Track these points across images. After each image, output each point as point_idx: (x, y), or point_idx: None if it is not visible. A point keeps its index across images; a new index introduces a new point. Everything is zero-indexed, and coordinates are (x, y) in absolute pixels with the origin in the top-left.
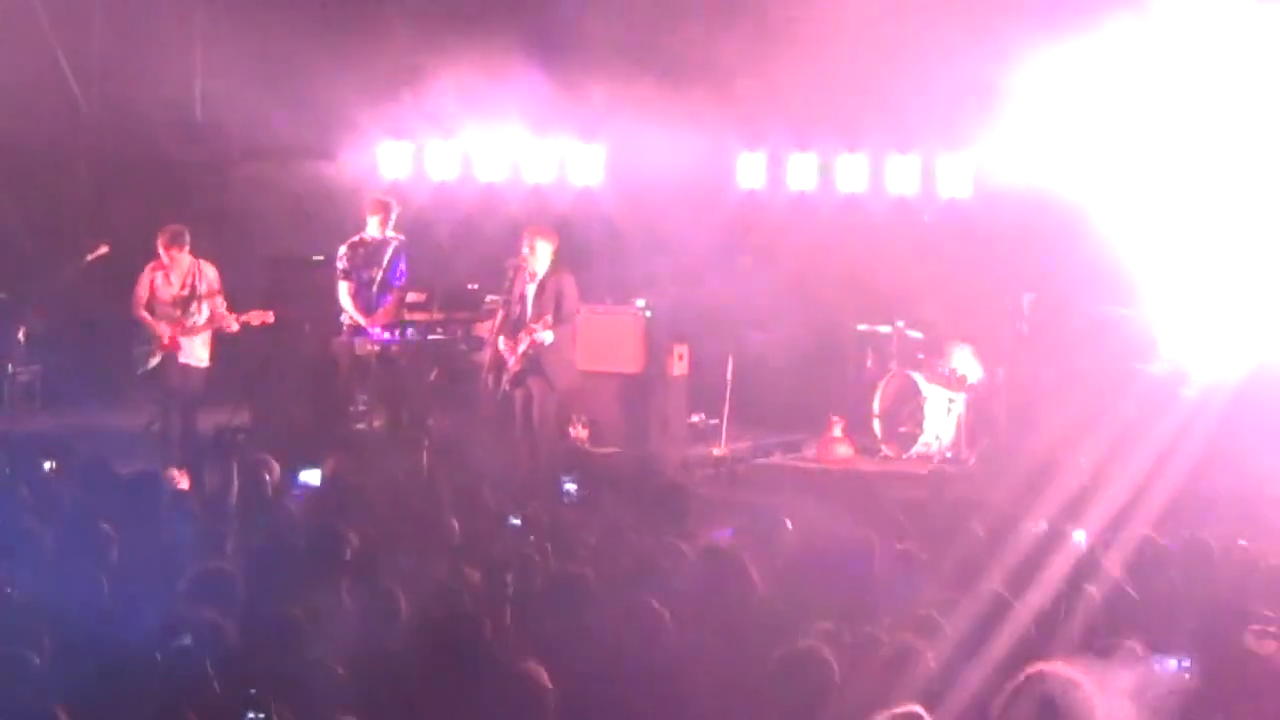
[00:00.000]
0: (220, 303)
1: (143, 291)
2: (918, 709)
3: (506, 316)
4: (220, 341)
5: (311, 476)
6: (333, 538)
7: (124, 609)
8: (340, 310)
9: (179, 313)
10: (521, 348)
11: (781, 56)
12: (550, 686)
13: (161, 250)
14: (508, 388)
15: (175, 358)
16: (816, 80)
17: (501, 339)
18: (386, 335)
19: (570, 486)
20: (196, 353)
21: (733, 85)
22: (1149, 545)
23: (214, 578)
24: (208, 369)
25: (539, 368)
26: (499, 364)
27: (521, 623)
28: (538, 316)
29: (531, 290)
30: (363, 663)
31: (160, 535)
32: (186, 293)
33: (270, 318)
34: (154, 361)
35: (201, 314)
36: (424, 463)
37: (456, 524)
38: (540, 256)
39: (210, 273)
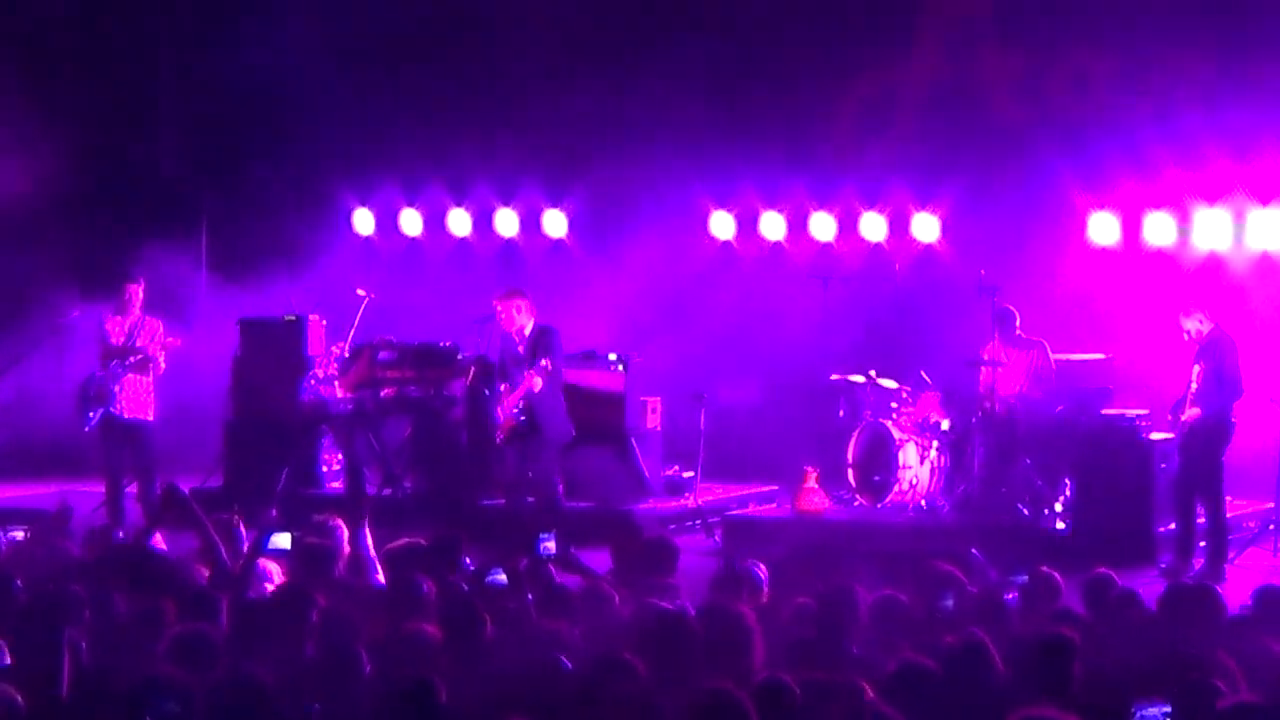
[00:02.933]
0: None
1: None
2: None
3: (488, 374)
4: (190, 404)
5: (282, 541)
6: (300, 600)
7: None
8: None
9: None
10: (512, 398)
11: (750, 114)
12: None
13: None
14: (501, 442)
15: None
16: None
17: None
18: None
19: (549, 544)
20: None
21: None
22: (1123, 590)
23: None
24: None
25: (535, 422)
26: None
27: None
28: (523, 375)
29: (523, 350)
30: None
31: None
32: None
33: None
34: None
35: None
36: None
37: (426, 586)
38: (519, 318)
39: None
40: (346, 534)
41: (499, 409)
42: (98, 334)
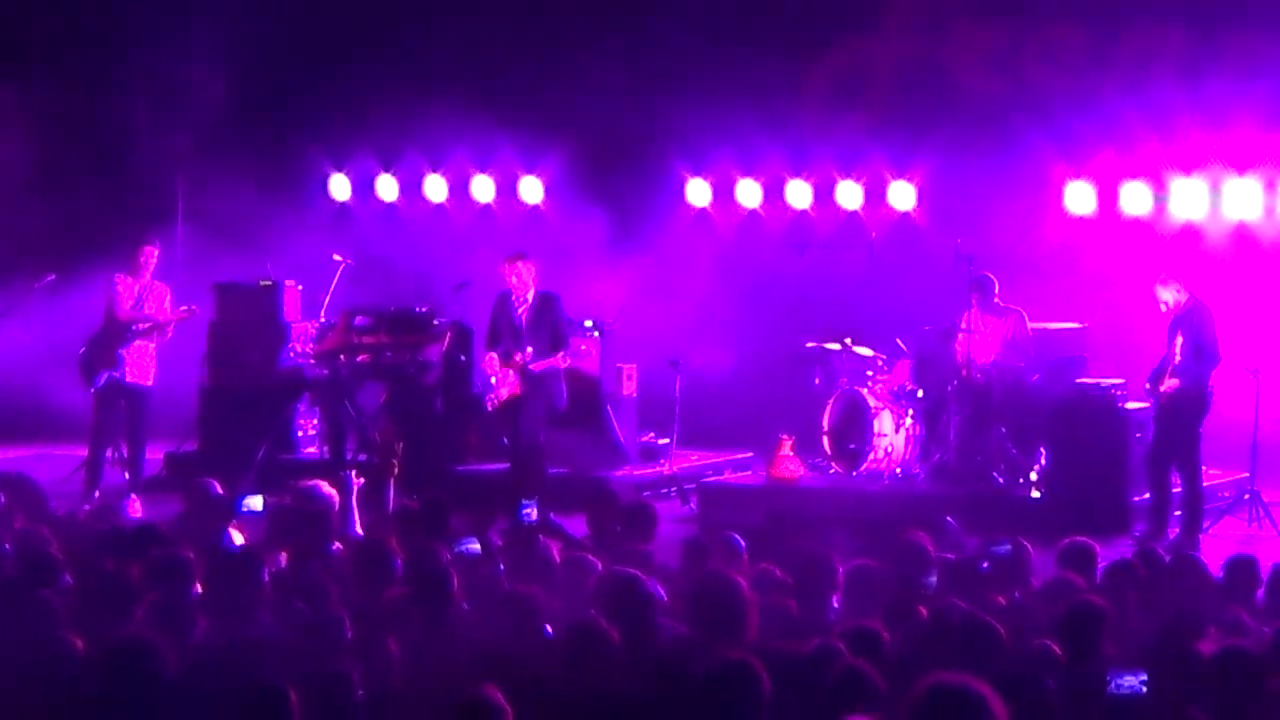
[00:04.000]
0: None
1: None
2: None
3: (498, 342)
4: (169, 368)
5: (254, 503)
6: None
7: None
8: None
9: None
10: (536, 366)
11: (726, 81)
12: (506, 707)
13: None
14: (501, 413)
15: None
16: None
17: (488, 361)
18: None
19: (530, 510)
20: (140, 372)
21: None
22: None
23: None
24: (150, 390)
25: (538, 391)
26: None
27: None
28: (536, 340)
29: (524, 315)
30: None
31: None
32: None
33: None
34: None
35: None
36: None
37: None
38: (527, 282)
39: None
40: (339, 502)
41: (497, 379)
42: (107, 294)
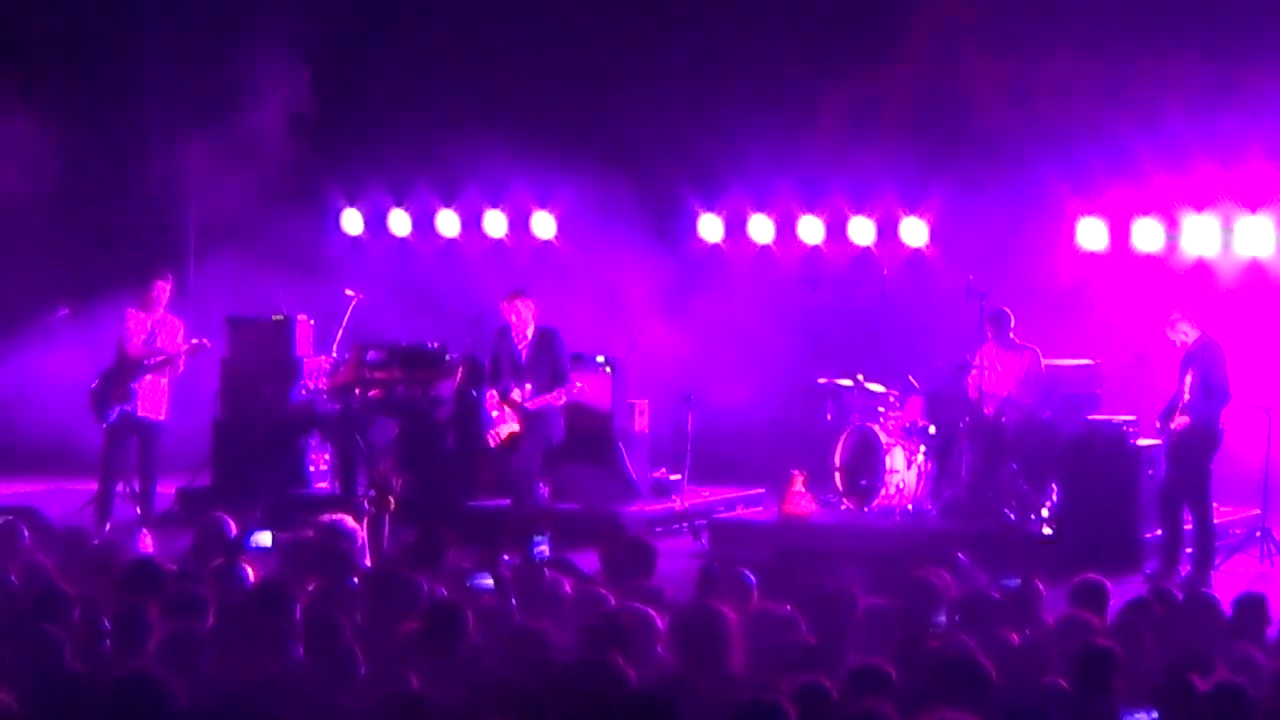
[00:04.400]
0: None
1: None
2: None
3: (475, 376)
4: (182, 402)
5: (263, 539)
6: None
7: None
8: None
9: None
10: (534, 402)
11: (735, 115)
12: None
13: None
14: (498, 448)
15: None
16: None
17: (490, 398)
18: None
19: (543, 547)
20: (152, 407)
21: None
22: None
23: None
24: (162, 425)
25: (534, 427)
26: (493, 422)
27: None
28: (536, 376)
29: (524, 352)
30: None
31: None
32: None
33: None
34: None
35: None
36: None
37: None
38: (526, 318)
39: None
40: (363, 537)
41: (498, 415)
42: (118, 329)
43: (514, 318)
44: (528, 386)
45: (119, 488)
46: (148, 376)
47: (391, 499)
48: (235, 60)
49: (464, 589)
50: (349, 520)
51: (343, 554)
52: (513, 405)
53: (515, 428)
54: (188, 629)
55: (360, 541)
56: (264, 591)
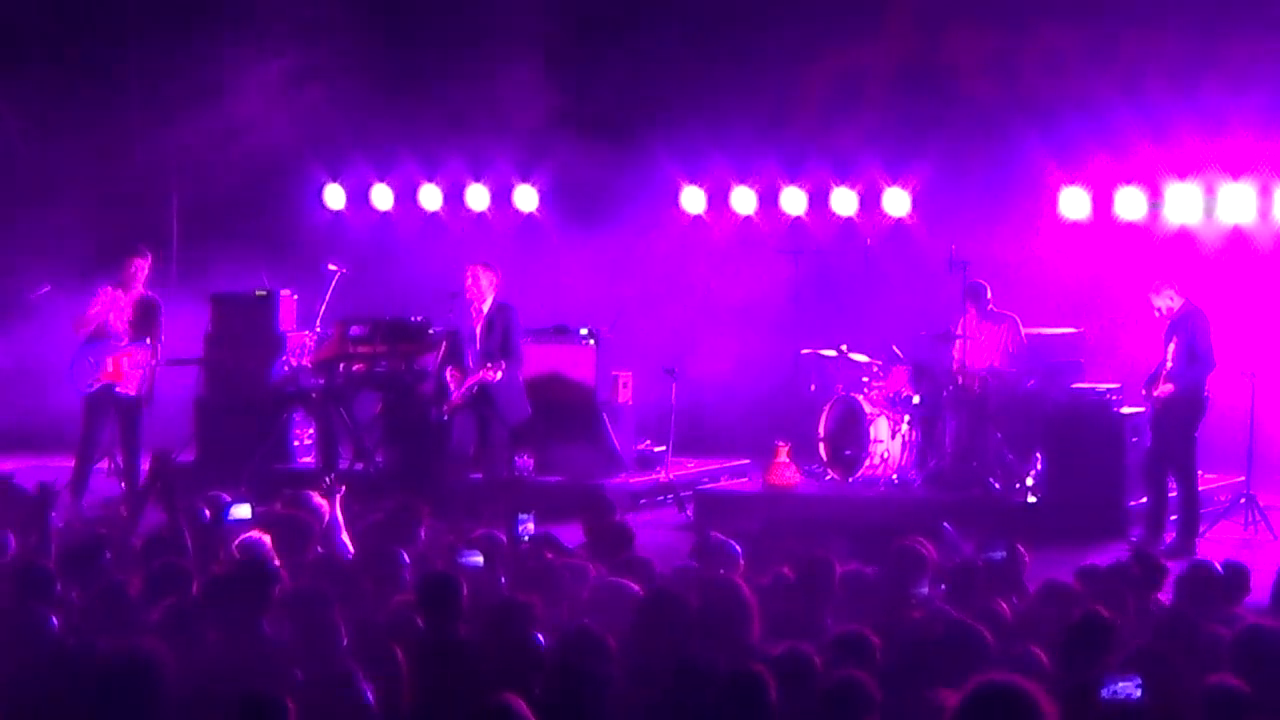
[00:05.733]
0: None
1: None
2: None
3: (452, 350)
4: (169, 377)
5: (242, 512)
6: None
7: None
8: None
9: (124, 340)
10: (467, 382)
11: (718, 86)
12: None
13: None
14: (447, 418)
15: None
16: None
17: (448, 371)
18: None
19: (529, 524)
20: (129, 382)
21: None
22: (1102, 563)
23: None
24: (138, 399)
25: (490, 401)
26: (443, 395)
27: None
28: (486, 350)
29: (479, 326)
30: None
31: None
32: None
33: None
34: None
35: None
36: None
37: (407, 557)
38: (484, 290)
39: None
40: (328, 510)
41: (455, 386)
42: (91, 303)
43: (469, 282)
44: (488, 366)
45: (105, 464)
46: (127, 351)
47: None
48: (217, 38)
49: (453, 564)
50: (317, 496)
51: (305, 529)
52: (456, 380)
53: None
54: (176, 603)
55: (327, 518)
56: (246, 566)
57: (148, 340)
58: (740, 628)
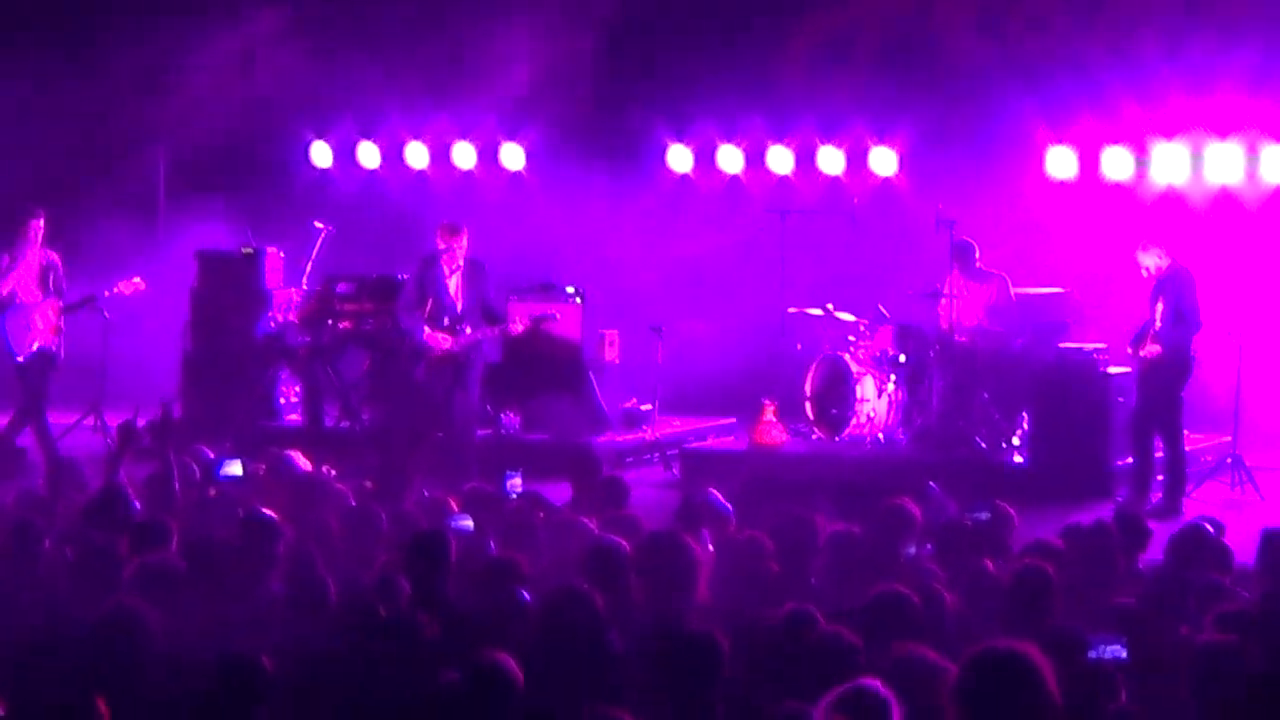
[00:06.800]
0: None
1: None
2: (872, 683)
3: (433, 309)
4: (156, 335)
5: (234, 469)
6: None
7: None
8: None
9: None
10: (474, 336)
11: (704, 44)
12: (519, 677)
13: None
14: (429, 379)
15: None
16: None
17: (426, 329)
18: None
19: (516, 481)
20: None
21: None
22: (1085, 523)
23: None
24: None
25: (464, 361)
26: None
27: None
28: (468, 309)
29: (454, 282)
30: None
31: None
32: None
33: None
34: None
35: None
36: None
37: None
38: (459, 251)
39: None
40: (308, 469)
41: (433, 344)
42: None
43: (443, 245)
44: (465, 327)
45: (90, 421)
46: (39, 313)
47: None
48: None
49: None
50: (300, 457)
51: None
52: (438, 339)
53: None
54: (161, 563)
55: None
56: (250, 526)
57: (54, 297)
58: (683, 588)
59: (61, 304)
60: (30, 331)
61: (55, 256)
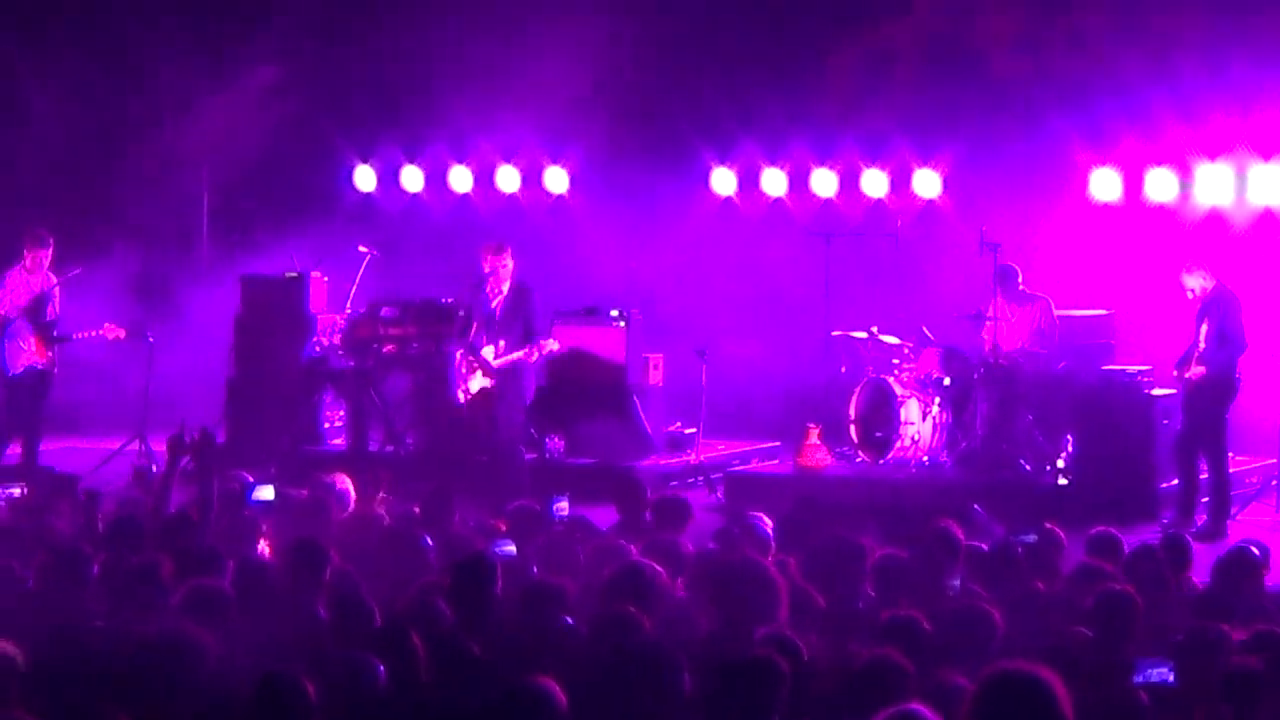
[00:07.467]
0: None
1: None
2: (918, 708)
3: (475, 332)
4: (199, 360)
5: (265, 493)
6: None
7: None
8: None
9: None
10: (507, 360)
11: (747, 68)
12: (563, 702)
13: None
14: (466, 400)
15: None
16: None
17: (459, 354)
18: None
19: (563, 505)
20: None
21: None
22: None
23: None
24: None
25: (504, 384)
26: (463, 378)
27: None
28: (506, 332)
29: (498, 304)
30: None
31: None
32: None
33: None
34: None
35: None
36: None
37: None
38: (503, 272)
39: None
40: (353, 493)
41: (469, 369)
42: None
43: (487, 268)
44: (501, 343)
45: (136, 445)
46: (35, 335)
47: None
48: (246, 19)
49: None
50: (343, 480)
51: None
52: (481, 362)
53: (486, 383)
54: (211, 587)
55: (350, 503)
56: (299, 550)
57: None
58: (768, 610)
59: (52, 334)
60: (22, 354)
61: (56, 284)
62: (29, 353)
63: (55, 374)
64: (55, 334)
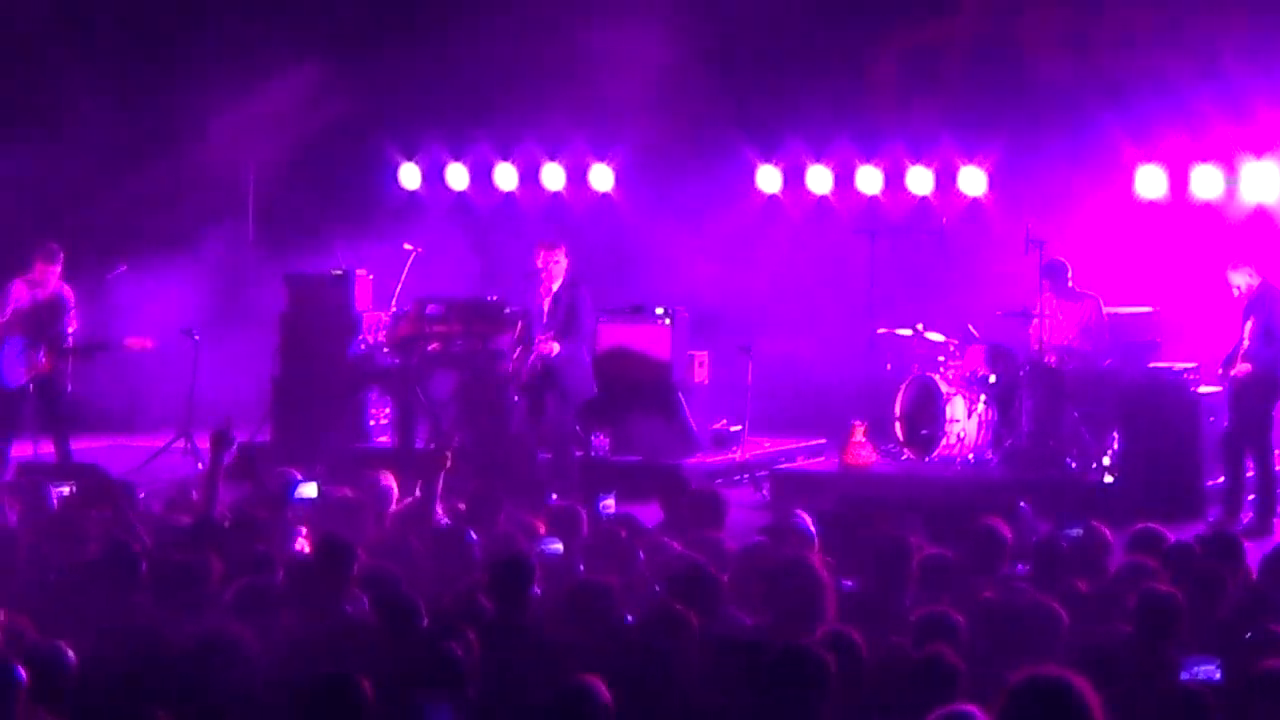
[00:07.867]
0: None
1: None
2: (970, 708)
3: (525, 328)
4: (245, 359)
5: (308, 491)
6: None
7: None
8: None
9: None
10: (529, 359)
11: (793, 65)
12: (608, 700)
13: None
14: (518, 398)
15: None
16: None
17: (519, 350)
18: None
19: (609, 503)
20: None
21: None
22: (1173, 542)
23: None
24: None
25: (554, 380)
26: (514, 375)
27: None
28: (552, 328)
29: (547, 303)
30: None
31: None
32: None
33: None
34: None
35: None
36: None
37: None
38: (555, 269)
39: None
40: (396, 491)
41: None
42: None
43: (539, 264)
44: (548, 337)
45: (182, 444)
46: (42, 345)
47: (448, 455)
48: (291, 19)
49: (532, 550)
50: (388, 478)
51: (362, 510)
52: (528, 355)
53: (531, 376)
54: (260, 584)
55: (394, 499)
56: (326, 547)
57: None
58: (817, 608)
59: (66, 345)
60: (19, 366)
61: (70, 296)
62: (34, 364)
63: (65, 382)
64: (68, 345)
